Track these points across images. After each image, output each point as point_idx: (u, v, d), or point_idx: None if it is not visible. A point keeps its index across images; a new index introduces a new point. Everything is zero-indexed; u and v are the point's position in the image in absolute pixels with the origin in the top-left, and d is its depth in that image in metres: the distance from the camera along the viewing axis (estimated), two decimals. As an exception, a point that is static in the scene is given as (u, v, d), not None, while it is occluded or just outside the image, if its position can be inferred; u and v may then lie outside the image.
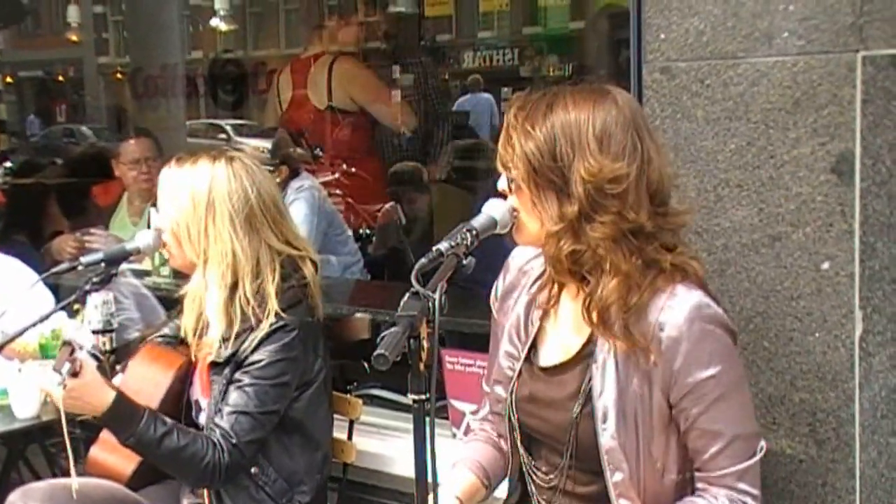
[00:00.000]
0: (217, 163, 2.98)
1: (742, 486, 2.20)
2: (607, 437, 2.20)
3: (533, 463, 2.40)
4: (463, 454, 2.53)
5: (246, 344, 2.91)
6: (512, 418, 2.39)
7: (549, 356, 2.36)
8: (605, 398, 2.20)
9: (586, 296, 2.20)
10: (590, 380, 2.23)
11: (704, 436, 2.19)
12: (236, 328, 2.92)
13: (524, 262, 2.46)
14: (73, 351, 2.68)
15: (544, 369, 2.35)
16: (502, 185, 2.25)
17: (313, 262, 3.08)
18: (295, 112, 5.92)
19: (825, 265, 2.49)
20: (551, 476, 2.35)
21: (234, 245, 2.93)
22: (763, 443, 2.24)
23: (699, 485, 2.24)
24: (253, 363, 2.90)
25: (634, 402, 2.19)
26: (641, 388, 2.18)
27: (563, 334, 2.34)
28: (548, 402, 2.32)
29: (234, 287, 2.93)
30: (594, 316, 2.18)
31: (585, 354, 2.27)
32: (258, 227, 2.97)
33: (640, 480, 2.21)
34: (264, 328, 2.89)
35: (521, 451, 2.41)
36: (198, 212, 2.94)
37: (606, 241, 2.14)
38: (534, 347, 2.38)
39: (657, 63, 2.68)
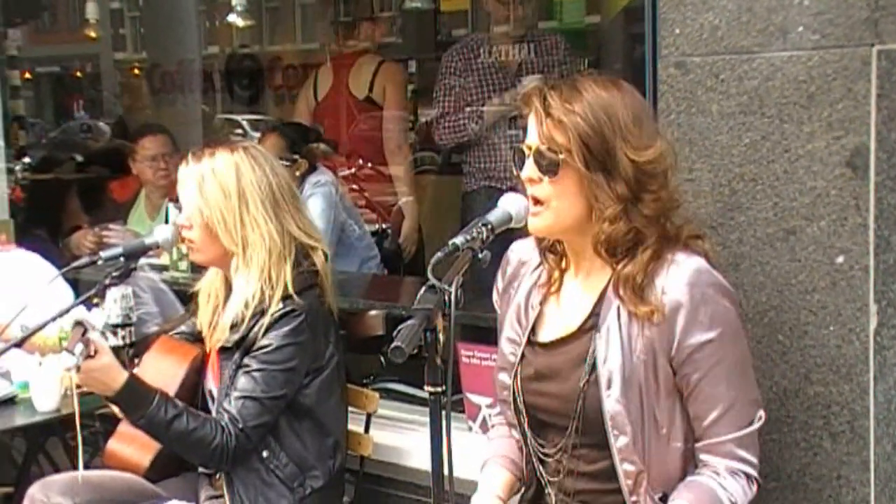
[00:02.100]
0: (236, 153, 3.03)
1: (741, 452, 2.25)
2: (612, 401, 2.24)
3: (540, 446, 2.42)
4: (491, 451, 2.55)
5: (255, 329, 2.94)
6: (518, 401, 2.42)
7: (549, 333, 2.40)
8: (610, 364, 2.24)
9: (617, 272, 2.25)
10: (594, 350, 2.27)
11: (705, 401, 2.24)
12: (250, 311, 2.94)
13: (523, 253, 2.50)
14: (84, 331, 2.70)
15: (545, 345, 2.39)
16: (531, 172, 2.25)
17: (324, 253, 3.12)
18: (331, 102, 5.95)
19: (840, 259, 2.49)
20: (558, 457, 2.38)
21: (271, 227, 2.98)
22: (762, 412, 2.29)
23: (701, 456, 2.28)
24: (261, 348, 2.94)
25: (639, 368, 2.23)
26: (646, 354, 2.23)
27: (565, 314, 2.39)
28: (552, 374, 2.36)
29: (268, 271, 2.97)
30: (628, 290, 2.23)
31: (587, 328, 2.31)
32: (280, 212, 3.02)
33: (645, 446, 2.25)
34: (272, 313, 2.93)
35: (529, 433, 2.43)
36: (231, 201, 2.97)
37: (651, 220, 2.22)
38: (534, 330, 2.42)
39: (672, 58, 2.69)
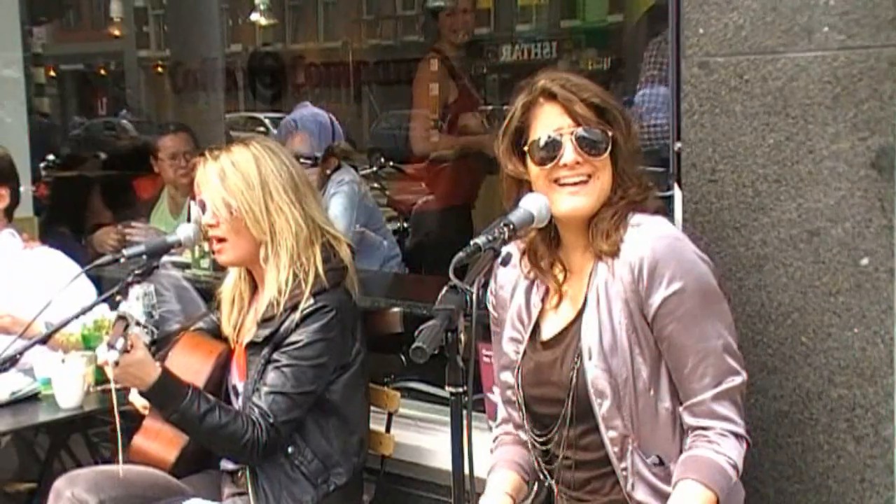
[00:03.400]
0: (251, 146, 3.07)
1: (721, 410, 2.27)
2: (592, 367, 2.29)
3: (542, 443, 2.44)
4: (496, 457, 2.57)
5: (286, 324, 2.96)
6: (519, 398, 2.44)
7: (549, 330, 2.45)
8: (590, 337, 2.31)
9: (594, 227, 2.34)
10: (580, 330, 2.33)
11: (676, 354, 2.28)
12: (283, 304, 2.96)
13: (514, 258, 2.50)
14: (127, 325, 2.71)
15: (545, 342, 2.44)
16: (574, 155, 2.30)
17: (350, 247, 3.13)
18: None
19: (864, 261, 2.48)
20: (558, 450, 2.40)
21: (295, 214, 3.02)
22: (741, 377, 2.30)
23: (686, 420, 2.30)
24: (291, 343, 2.95)
25: (619, 331, 2.28)
26: (626, 317, 2.28)
27: (563, 311, 2.43)
28: (548, 366, 2.40)
29: (297, 257, 3.00)
30: (598, 240, 2.33)
31: (580, 313, 2.36)
32: (302, 198, 3.06)
33: (632, 409, 2.28)
34: (303, 308, 2.94)
35: (529, 429, 2.46)
36: (255, 191, 3.00)
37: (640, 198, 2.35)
38: (537, 327, 2.46)
39: (696, 58, 2.68)
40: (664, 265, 2.25)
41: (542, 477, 2.48)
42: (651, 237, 2.28)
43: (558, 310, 2.44)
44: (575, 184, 2.31)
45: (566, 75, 2.36)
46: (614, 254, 2.30)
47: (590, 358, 2.30)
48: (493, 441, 2.63)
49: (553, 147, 2.30)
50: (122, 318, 2.74)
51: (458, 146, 5.44)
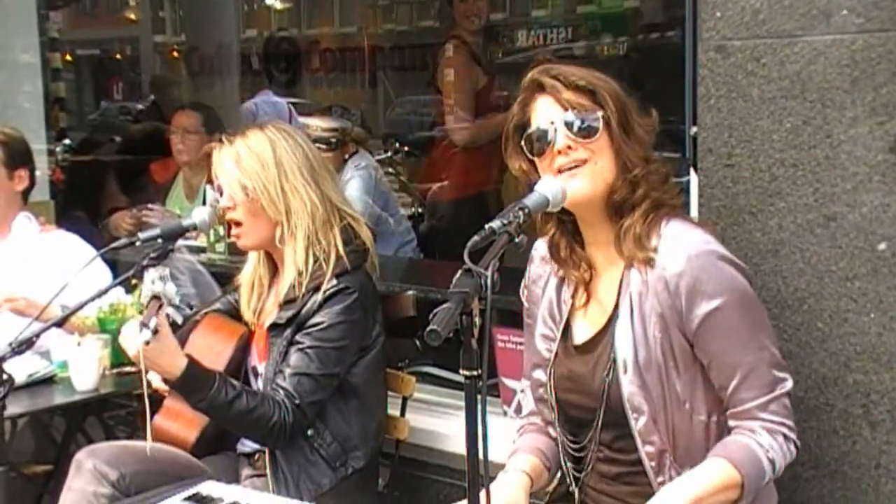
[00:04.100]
0: (266, 129, 3.09)
1: (769, 416, 2.25)
2: (627, 383, 2.28)
3: (572, 443, 2.44)
4: (518, 445, 2.56)
5: (308, 305, 2.97)
6: (551, 398, 2.44)
7: (581, 333, 2.43)
8: (625, 350, 2.28)
9: (620, 229, 2.32)
10: (613, 341, 2.31)
11: (724, 369, 2.26)
12: (305, 285, 2.97)
13: (546, 251, 2.51)
14: (160, 306, 2.71)
15: (578, 347, 2.42)
16: (566, 141, 2.28)
17: (370, 229, 3.14)
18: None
19: (881, 246, 2.46)
20: (589, 451, 2.40)
21: (311, 194, 3.03)
22: (789, 383, 2.28)
23: (731, 423, 2.29)
24: (314, 325, 2.97)
25: (654, 346, 2.26)
26: (661, 331, 2.26)
27: (593, 310, 2.41)
28: (583, 377, 2.38)
29: (314, 237, 3.01)
30: (629, 241, 2.30)
31: (613, 320, 2.34)
32: (318, 178, 3.07)
33: (667, 423, 2.27)
34: (325, 290, 2.96)
35: (560, 430, 2.45)
36: (270, 172, 3.01)
37: (656, 185, 2.32)
38: (568, 327, 2.45)
39: (712, 42, 2.66)
40: (703, 282, 2.23)
41: (568, 481, 2.47)
42: (688, 253, 2.24)
43: (588, 311, 2.43)
44: (574, 166, 2.29)
45: (554, 65, 2.35)
46: (648, 262, 2.27)
47: (625, 372, 2.28)
48: (518, 430, 2.63)
49: (545, 136, 2.30)
50: (156, 297, 2.73)
51: (493, 127, 5.40)
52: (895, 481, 2.51)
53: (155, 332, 2.65)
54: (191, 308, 3.30)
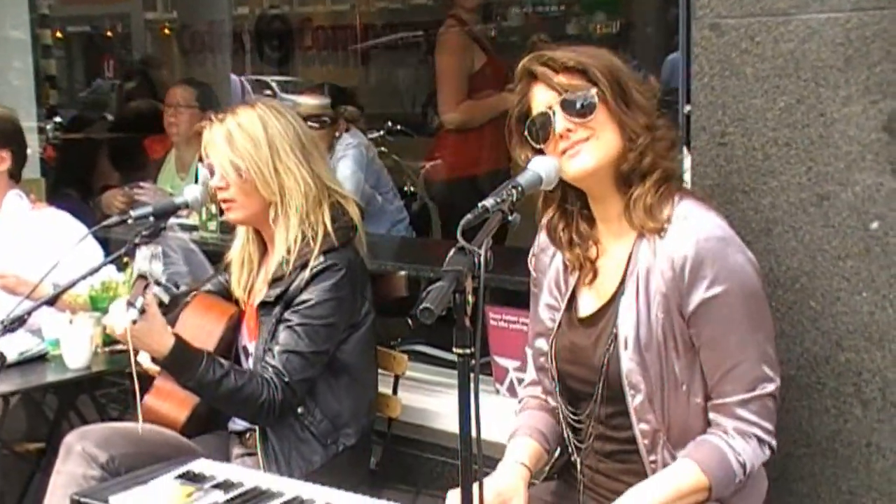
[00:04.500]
0: (256, 107, 3.08)
1: (747, 415, 2.25)
2: (626, 360, 2.28)
3: (572, 413, 2.44)
4: (518, 423, 2.56)
5: (296, 283, 2.97)
6: (552, 369, 2.44)
7: (587, 306, 2.43)
8: (626, 326, 2.29)
9: (629, 199, 2.32)
10: (617, 315, 2.31)
11: (712, 357, 2.26)
12: (292, 262, 2.97)
13: None
14: (147, 285, 2.70)
15: (582, 319, 2.42)
16: (565, 123, 2.27)
17: (358, 206, 3.14)
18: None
19: (874, 225, 2.46)
20: (588, 424, 2.40)
21: (304, 173, 3.03)
22: (774, 384, 2.28)
23: (710, 415, 2.29)
24: (302, 302, 2.97)
25: (656, 326, 2.26)
26: (664, 312, 2.26)
27: (600, 283, 2.41)
28: (585, 350, 2.39)
29: (305, 216, 3.01)
30: (639, 211, 2.30)
31: (619, 294, 2.34)
32: (309, 157, 3.07)
33: (663, 402, 2.27)
34: (313, 267, 2.96)
35: (560, 401, 2.45)
36: (262, 151, 3.00)
37: (664, 153, 2.31)
38: (573, 298, 2.44)
39: (706, 20, 2.65)
40: (707, 266, 2.22)
41: (570, 450, 2.48)
42: (697, 236, 2.23)
43: (595, 284, 2.42)
44: (574, 144, 2.28)
45: (544, 51, 2.33)
46: (658, 232, 2.27)
47: (625, 348, 2.28)
48: (519, 402, 2.63)
49: (545, 122, 2.30)
50: (142, 276, 2.73)
51: (487, 108, 5.37)
52: (886, 459, 2.52)
53: (142, 311, 2.65)
54: (177, 287, 3.29)
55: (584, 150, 2.28)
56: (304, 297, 2.97)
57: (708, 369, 2.27)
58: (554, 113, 2.29)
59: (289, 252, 3.00)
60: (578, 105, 2.27)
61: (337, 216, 3.05)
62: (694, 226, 2.25)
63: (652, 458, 2.30)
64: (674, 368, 2.27)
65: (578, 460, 2.45)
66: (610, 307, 2.36)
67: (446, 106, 5.44)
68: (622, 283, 2.34)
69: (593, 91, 2.27)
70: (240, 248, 3.19)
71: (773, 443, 2.30)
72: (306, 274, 2.97)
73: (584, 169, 2.29)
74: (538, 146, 2.32)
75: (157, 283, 2.79)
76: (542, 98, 2.32)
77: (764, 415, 2.27)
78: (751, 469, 2.27)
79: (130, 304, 2.64)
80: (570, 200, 2.41)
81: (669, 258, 2.24)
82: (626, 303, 2.30)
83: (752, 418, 2.26)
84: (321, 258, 2.98)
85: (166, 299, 2.86)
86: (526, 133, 2.34)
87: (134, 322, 2.64)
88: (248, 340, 3.14)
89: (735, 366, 2.25)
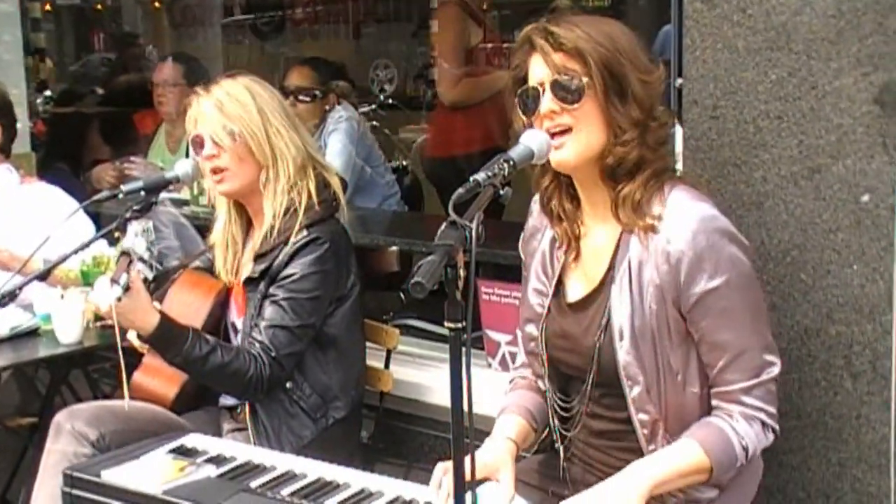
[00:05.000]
0: (239, 79, 3.11)
1: (751, 401, 2.25)
2: (623, 352, 2.27)
3: (561, 400, 2.45)
4: (507, 402, 2.56)
5: (280, 257, 2.98)
6: (542, 354, 2.44)
7: (575, 291, 2.41)
8: (621, 316, 2.27)
9: (617, 195, 2.29)
10: (609, 303, 2.29)
11: (713, 349, 2.25)
12: (276, 235, 2.99)
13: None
14: (130, 262, 2.70)
15: (571, 305, 2.41)
16: (551, 104, 2.24)
17: (341, 179, 3.15)
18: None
19: (865, 197, 2.47)
20: (580, 407, 2.40)
21: (293, 136, 3.06)
22: (777, 368, 2.28)
23: (713, 402, 2.29)
24: (287, 277, 2.97)
25: (650, 317, 2.25)
26: (657, 303, 2.24)
27: (587, 268, 2.39)
28: (575, 336, 2.38)
29: (293, 182, 3.03)
30: (627, 209, 2.27)
31: (608, 281, 2.32)
32: (296, 125, 3.11)
33: (661, 393, 2.27)
34: (296, 241, 2.97)
35: (550, 387, 2.45)
36: (253, 117, 3.03)
37: (654, 148, 2.27)
38: (561, 283, 2.44)
39: (698, -8, 2.65)
40: (706, 260, 2.20)
41: (555, 438, 2.47)
42: (693, 228, 2.21)
43: (579, 267, 2.41)
44: (556, 134, 2.25)
45: (550, 24, 2.27)
46: (651, 229, 2.24)
47: (621, 339, 2.27)
48: (510, 382, 2.64)
49: (533, 97, 2.27)
50: (125, 253, 2.73)
51: (486, 86, 5.35)
52: (875, 431, 2.53)
53: (127, 288, 2.65)
54: (161, 263, 3.29)
55: (567, 144, 2.25)
56: (288, 271, 2.97)
57: (710, 361, 2.26)
58: (543, 91, 2.26)
59: (274, 218, 3.00)
60: (567, 90, 2.23)
61: (320, 188, 3.05)
62: (689, 218, 2.22)
63: (652, 446, 2.29)
64: (668, 358, 2.26)
65: (562, 448, 2.45)
66: (599, 294, 2.35)
67: (446, 84, 5.41)
68: (610, 269, 2.33)
69: (585, 80, 2.22)
70: (222, 229, 3.18)
71: (777, 427, 2.30)
72: (290, 248, 2.97)
73: (565, 163, 2.28)
74: (525, 118, 2.31)
75: (141, 260, 2.79)
76: (536, 71, 2.29)
77: (768, 399, 2.27)
78: (753, 453, 2.27)
79: (114, 281, 2.64)
80: (562, 175, 2.40)
81: (665, 252, 2.22)
82: (618, 292, 2.28)
83: (757, 403, 2.26)
84: (304, 232, 2.98)
85: (150, 276, 2.86)
86: (517, 100, 2.32)
87: (119, 299, 2.64)
88: (237, 317, 3.14)
89: (738, 356, 2.24)
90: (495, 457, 2.36)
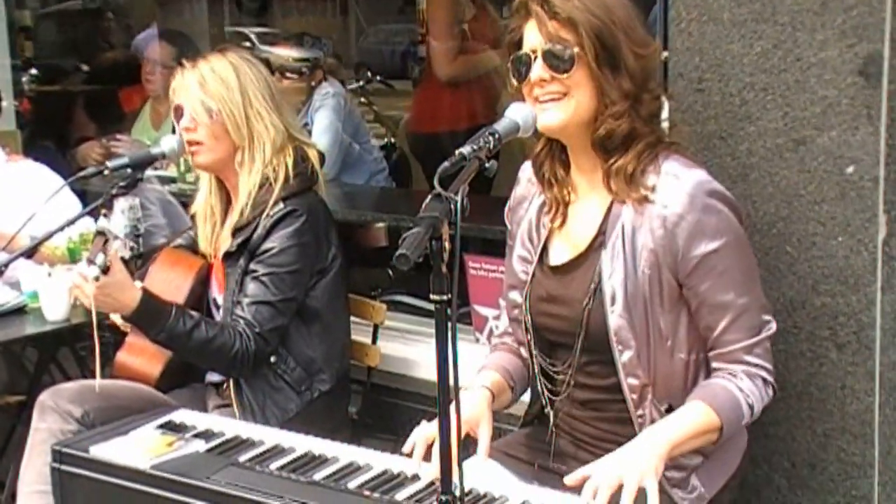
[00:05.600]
0: (227, 54, 3.10)
1: (753, 359, 2.28)
2: (615, 317, 2.28)
3: (550, 365, 2.45)
4: (486, 361, 2.58)
5: (258, 231, 2.98)
6: (527, 321, 2.44)
7: (559, 255, 2.42)
8: (614, 280, 2.28)
9: (609, 167, 2.29)
10: (600, 267, 2.30)
11: (714, 310, 2.27)
12: (252, 208, 2.99)
13: (532, 173, 2.49)
14: (106, 241, 2.70)
15: (555, 268, 2.42)
16: (541, 72, 2.25)
17: (320, 153, 3.16)
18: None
19: (850, 169, 2.47)
20: (565, 376, 2.41)
21: (274, 119, 3.05)
22: (773, 325, 2.31)
23: (714, 364, 2.32)
24: (266, 251, 2.98)
25: (643, 282, 2.26)
26: (651, 268, 2.26)
27: (574, 235, 2.40)
28: (562, 299, 2.38)
29: (269, 162, 3.03)
30: (619, 181, 2.27)
31: (596, 246, 2.33)
32: (279, 105, 3.10)
33: (650, 358, 2.29)
34: (273, 213, 2.98)
35: (537, 353, 2.46)
36: (234, 96, 3.02)
37: (647, 120, 2.28)
38: (545, 250, 2.45)
39: (684, -36, 2.64)
40: (705, 223, 2.22)
41: (544, 402, 2.48)
42: (690, 193, 2.22)
43: (564, 232, 2.42)
44: (545, 102, 2.27)
45: None
46: (644, 200, 2.25)
47: (612, 304, 2.28)
48: (490, 349, 2.65)
49: (526, 64, 2.28)
50: (101, 233, 2.72)
51: (480, 64, 5.34)
52: (860, 401, 2.54)
53: (106, 268, 2.65)
54: (138, 242, 3.28)
55: (554, 107, 2.26)
56: (267, 245, 2.98)
57: (710, 323, 2.28)
58: (535, 58, 2.27)
59: (249, 196, 3.00)
60: (559, 59, 2.24)
61: (297, 162, 3.06)
62: (684, 183, 2.23)
63: (640, 412, 2.31)
64: (659, 324, 2.28)
65: (552, 412, 2.46)
66: (586, 258, 2.35)
67: (442, 60, 5.39)
68: (599, 235, 2.33)
69: (576, 49, 2.23)
70: (203, 201, 3.18)
71: (775, 384, 2.33)
72: (267, 221, 2.97)
73: (550, 126, 2.28)
74: (516, 84, 2.31)
75: (116, 238, 2.78)
76: (530, 38, 2.29)
77: (767, 357, 2.31)
78: (757, 411, 2.29)
79: (91, 261, 2.64)
80: (554, 141, 2.40)
81: (661, 216, 2.23)
82: (610, 257, 2.29)
83: (758, 361, 2.29)
84: (280, 205, 2.98)
85: (127, 255, 2.85)
86: (510, 65, 2.32)
87: (96, 279, 2.64)
88: (218, 293, 3.14)
89: (739, 315, 2.27)
90: (473, 409, 2.36)
